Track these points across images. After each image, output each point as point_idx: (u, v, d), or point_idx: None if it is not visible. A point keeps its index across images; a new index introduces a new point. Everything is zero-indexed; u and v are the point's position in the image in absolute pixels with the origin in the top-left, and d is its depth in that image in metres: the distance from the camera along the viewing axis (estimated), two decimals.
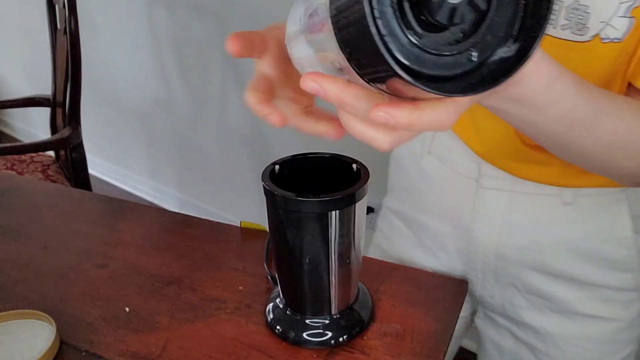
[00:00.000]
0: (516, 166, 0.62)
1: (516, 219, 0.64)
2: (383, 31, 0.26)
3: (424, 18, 0.27)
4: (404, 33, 0.27)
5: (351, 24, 0.26)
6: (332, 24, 0.28)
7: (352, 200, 0.52)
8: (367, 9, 0.25)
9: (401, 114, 0.30)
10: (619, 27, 0.46)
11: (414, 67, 0.27)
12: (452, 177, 0.68)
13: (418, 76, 0.27)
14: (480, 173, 0.65)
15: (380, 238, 0.82)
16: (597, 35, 0.47)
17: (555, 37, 0.49)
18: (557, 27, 0.49)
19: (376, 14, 0.26)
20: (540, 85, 0.38)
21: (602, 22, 0.47)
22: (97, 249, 0.79)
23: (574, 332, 0.67)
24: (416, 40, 0.27)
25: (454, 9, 0.26)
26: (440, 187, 0.70)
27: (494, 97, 0.38)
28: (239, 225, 0.82)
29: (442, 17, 0.26)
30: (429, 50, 0.27)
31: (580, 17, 0.47)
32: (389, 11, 0.26)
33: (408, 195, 0.75)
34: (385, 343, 0.60)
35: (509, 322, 0.72)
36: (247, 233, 0.81)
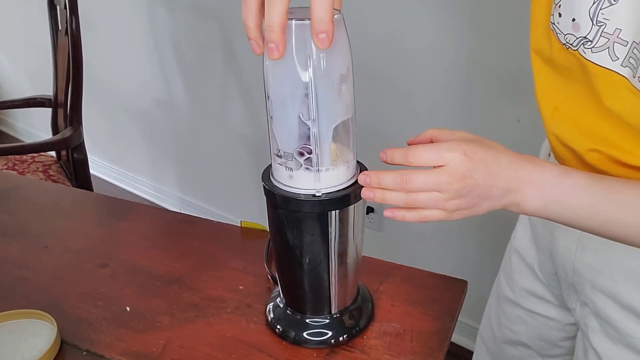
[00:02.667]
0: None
1: (591, 238, 0.58)
2: None
3: None
4: None
5: None
6: None
7: (352, 199, 0.52)
8: None
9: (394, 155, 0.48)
10: None
11: None
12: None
13: None
14: None
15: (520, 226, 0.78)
16: None
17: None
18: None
19: None
20: (549, 179, 0.47)
21: None
22: (98, 248, 0.79)
23: None
24: None
25: None
26: None
27: (518, 197, 0.48)
28: (239, 225, 0.82)
29: None
30: None
31: None
32: None
33: None
34: (385, 342, 0.60)
35: (584, 340, 0.67)
36: (248, 233, 0.81)
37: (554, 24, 0.50)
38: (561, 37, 0.49)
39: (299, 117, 0.48)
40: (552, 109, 0.56)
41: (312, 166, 0.50)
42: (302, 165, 0.50)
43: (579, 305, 0.66)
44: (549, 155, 0.66)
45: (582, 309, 0.65)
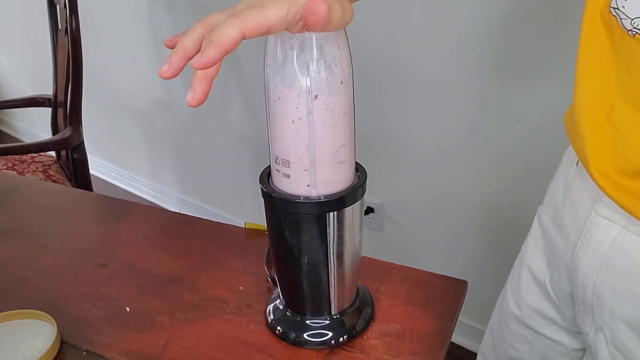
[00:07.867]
0: (625, 197, 0.54)
1: (619, 258, 0.56)
2: None
3: None
4: None
5: None
6: None
7: (350, 200, 0.52)
8: None
9: None
10: None
11: None
12: (580, 195, 0.61)
13: None
14: (599, 198, 0.57)
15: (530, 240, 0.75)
16: None
17: None
18: None
19: None
20: None
21: None
22: (98, 248, 0.79)
23: None
24: None
25: None
26: (571, 200, 0.63)
27: None
28: (239, 225, 0.82)
29: None
30: None
31: None
32: None
33: (550, 204, 0.70)
34: (385, 343, 0.60)
35: None
36: (251, 234, 0.81)
37: (617, 8, 0.46)
38: (626, 22, 0.45)
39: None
40: (607, 109, 0.51)
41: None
42: None
43: (593, 330, 0.62)
44: (577, 163, 0.62)
45: (596, 335, 0.61)
